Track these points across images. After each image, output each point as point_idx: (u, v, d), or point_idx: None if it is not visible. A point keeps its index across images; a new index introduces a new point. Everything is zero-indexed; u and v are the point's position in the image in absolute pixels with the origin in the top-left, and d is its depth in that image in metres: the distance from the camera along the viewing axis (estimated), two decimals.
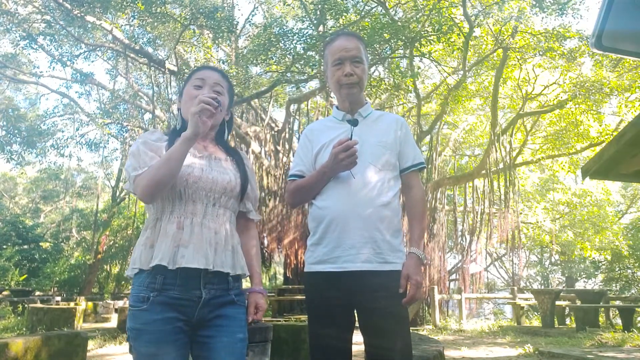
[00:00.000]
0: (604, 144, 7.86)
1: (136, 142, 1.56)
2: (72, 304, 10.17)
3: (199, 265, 1.44)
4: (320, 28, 10.41)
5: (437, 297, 11.13)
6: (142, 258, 1.45)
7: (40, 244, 20.40)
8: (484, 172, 12.89)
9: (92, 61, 15.15)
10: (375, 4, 10.54)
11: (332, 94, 11.16)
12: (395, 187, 1.82)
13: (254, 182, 1.75)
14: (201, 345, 1.48)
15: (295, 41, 9.97)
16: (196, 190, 1.52)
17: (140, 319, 1.42)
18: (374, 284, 1.67)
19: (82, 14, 10.44)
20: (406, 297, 1.68)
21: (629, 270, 19.64)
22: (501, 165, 12.62)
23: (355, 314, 1.74)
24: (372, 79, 10.28)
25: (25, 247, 19.53)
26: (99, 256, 19.17)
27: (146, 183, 1.43)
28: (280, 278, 17.18)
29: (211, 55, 12.55)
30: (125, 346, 6.75)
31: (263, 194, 12.47)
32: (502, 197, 13.00)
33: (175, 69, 11.73)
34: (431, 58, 11.00)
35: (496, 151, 12.40)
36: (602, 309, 11.22)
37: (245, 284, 1.67)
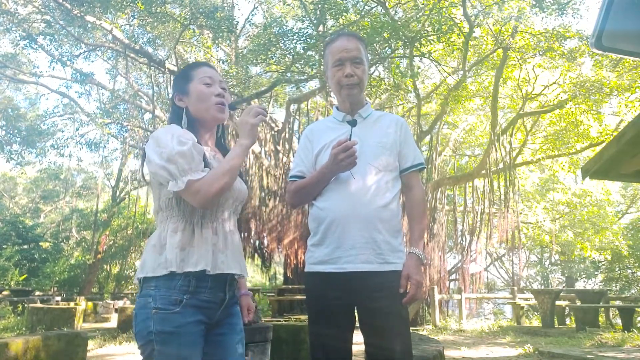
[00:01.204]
0: (604, 144, 7.86)
1: (183, 140, 1.45)
2: (72, 304, 10.16)
3: (235, 271, 1.50)
4: (320, 28, 10.40)
5: (437, 297, 11.13)
6: (178, 260, 1.42)
7: (40, 243, 20.40)
8: (484, 172, 12.89)
9: (92, 61, 15.18)
10: (375, 4, 10.53)
11: (332, 94, 11.17)
12: (395, 188, 1.82)
13: None
14: (212, 344, 1.51)
15: (295, 41, 9.98)
16: (227, 198, 1.55)
17: (173, 322, 1.39)
18: (375, 285, 1.67)
19: (82, 14, 10.43)
20: (407, 296, 1.69)
21: (629, 270, 19.65)
22: (501, 165, 12.61)
23: (356, 314, 1.75)
24: (372, 79, 10.28)
25: (25, 247, 19.54)
26: (99, 256, 19.19)
27: (214, 190, 1.41)
28: (280, 278, 17.17)
29: (211, 55, 12.55)
30: (126, 346, 6.77)
31: (263, 194, 12.48)
32: (502, 197, 13.00)
33: (175, 68, 11.72)
34: (431, 58, 11.00)
35: (496, 151, 12.40)
36: (602, 309, 11.22)
37: None
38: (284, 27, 10.64)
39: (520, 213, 14.64)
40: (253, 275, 22.90)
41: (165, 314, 1.39)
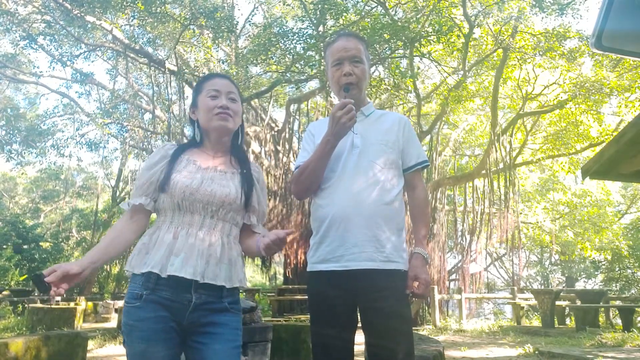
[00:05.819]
0: (604, 144, 7.86)
1: (144, 165, 1.66)
2: (72, 304, 10.14)
3: (186, 275, 1.46)
4: (320, 28, 10.40)
5: (437, 297, 11.13)
6: (134, 262, 1.52)
7: (40, 244, 20.38)
8: (484, 172, 12.89)
9: (92, 61, 15.18)
10: (375, 4, 10.54)
11: (333, 94, 11.16)
12: (398, 186, 1.82)
13: (264, 196, 1.74)
14: (194, 351, 1.51)
15: (295, 41, 9.98)
16: (193, 202, 1.55)
17: (134, 315, 1.47)
18: (377, 283, 1.67)
19: (82, 14, 10.44)
20: (415, 296, 1.70)
21: (629, 270, 19.64)
22: (501, 165, 12.62)
23: (358, 313, 1.74)
24: (372, 79, 10.28)
25: (25, 247, 19.51)
26: None
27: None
28: (280, 278, 17.18)
29: (211, 55, 12.56)
30: None
31: None
32: (502, 197, 13.00)
33: (175, 68, 11.73)
34: (431, 58, 11.00)
35: (496, 151, 12.40)
36: (602, 309, 11.22)
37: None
38: (284, 27, 10.64)
39: (520, 213, 14.65)
40: (253, 275, 22.89)
41: (129, 307, 1.49)
